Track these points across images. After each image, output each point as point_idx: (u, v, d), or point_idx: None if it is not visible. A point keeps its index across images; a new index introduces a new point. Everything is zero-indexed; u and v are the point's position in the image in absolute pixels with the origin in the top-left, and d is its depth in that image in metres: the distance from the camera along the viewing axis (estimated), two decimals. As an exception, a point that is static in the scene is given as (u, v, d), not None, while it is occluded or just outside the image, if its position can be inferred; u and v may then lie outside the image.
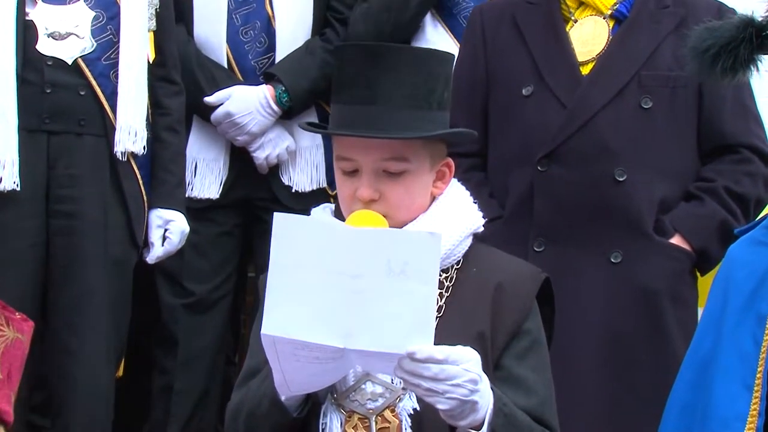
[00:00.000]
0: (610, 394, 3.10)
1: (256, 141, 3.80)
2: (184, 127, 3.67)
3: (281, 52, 3.84)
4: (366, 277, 2.09)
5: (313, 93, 3.83)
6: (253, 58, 3.83)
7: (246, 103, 3.78)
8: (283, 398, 2.28)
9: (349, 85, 2.36)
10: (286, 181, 3.86)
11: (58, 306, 3.35)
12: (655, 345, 3.11)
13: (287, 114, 3.83)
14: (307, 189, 3.87)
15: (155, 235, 3.51)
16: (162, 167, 3.53)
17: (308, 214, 3.73)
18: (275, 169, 3.86)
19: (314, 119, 3.84)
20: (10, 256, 3.28)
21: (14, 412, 3.26)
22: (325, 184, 3.88)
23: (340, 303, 2.09)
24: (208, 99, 3.77)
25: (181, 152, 3.62)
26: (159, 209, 3.52)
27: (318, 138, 3.88)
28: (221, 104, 3.77)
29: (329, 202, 3.76)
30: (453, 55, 2.51)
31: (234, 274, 3.88)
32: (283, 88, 3.79)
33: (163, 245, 3.52)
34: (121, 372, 3.54)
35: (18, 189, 3.25)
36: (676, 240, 3.17)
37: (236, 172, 3.85)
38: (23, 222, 3.30)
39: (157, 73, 3.53)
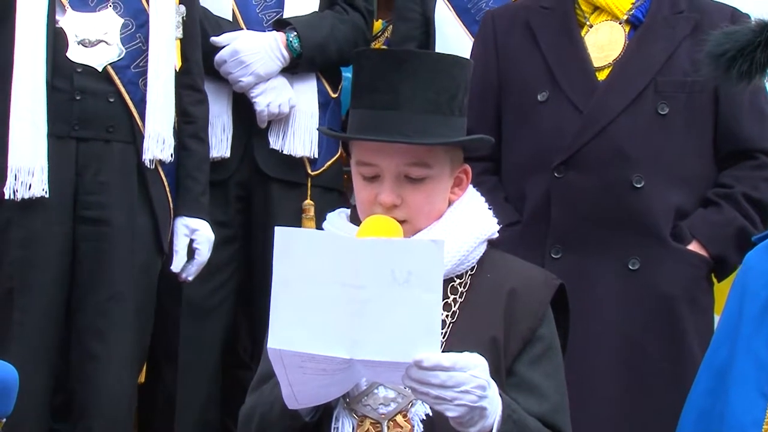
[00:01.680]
0: (626, 401, 3.09)
1: (259, 86, 3.74)
2: (208, 135, 3.67)
3: (290, 10, 3.80)
4: (370, 287, 2.09)
5: (322, 50, 3.79)
6: (261, 11, 3.79)
7: (255, 43, 3.73)
8: None
9: (371, 90, 2.37)
10: (273, 143, 3.79)
11: (84, 311, 3.36)
12: (672, 351, 3.10)
13: (293, 67, 3.78)
14: (299, 154, 3.79)
15: (180, 244, 3.51)
16: (187, 175, 3.54)
17: (282, 184, 3.77)
18: (264, 131, 3.78)
19: (314, 92, 3.83)
20: (37, 261, 3.30)
21: (36, 415, 3.29)
22: (315, 155, 3.80)
23: (345, 314, 2.09)
24: (214, 39, 3.72)
25: (205, 159, 3.61)
26: (184, 217, 3.52)
27: (314, 107, 3.82)
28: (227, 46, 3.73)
29: (305, 179, 3.79)
30: (472, 61, 2.51)
31: (236, 277, 3.82)
32: (295, 34, 3.75)
33: (194, 258, 3.53)
34: (143, 378, 3.55)
35: (47, 195, 3.27)
36: (693, 246, 3.16)
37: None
38: (51, 228, 3.31)
39: (182, 81, 3.53)
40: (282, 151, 3.79)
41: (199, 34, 3.64)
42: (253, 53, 3.72)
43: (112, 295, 3.36)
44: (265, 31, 3.79)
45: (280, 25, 3.79)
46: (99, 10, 3.39)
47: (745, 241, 3.13)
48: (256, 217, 3.82)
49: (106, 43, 3.37)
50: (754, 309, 2.42)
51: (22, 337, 3.28)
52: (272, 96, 3.75)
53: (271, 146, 3.79)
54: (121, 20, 3.40)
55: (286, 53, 3.76)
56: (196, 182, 3.56)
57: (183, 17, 3.53)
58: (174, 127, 3.49)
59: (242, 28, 3.78)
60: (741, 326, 2.44)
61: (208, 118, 3.65)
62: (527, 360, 2.38)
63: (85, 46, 3.36)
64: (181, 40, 3.53)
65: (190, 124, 3.57)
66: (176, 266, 3.51)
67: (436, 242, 2.13)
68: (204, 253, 3.54)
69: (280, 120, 3.79)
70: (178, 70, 3.51)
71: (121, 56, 3.38)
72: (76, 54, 3.35)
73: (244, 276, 3.86)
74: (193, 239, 3.53)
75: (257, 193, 3.82)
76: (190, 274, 3.55)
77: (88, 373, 3.37)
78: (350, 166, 2.52)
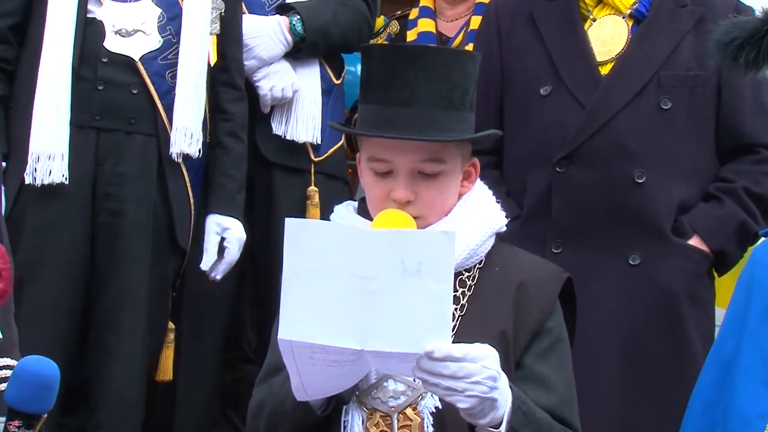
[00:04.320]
0: (628, 396, 3.09)
1: (262, 69, 3.74)
2: (247, 134, 3.64)
3: None
4: (381, 278, 2.09)
5: (325, 34, 3.79)
6: None
7: (258, 27, 3.73)
8: None
9: (385, 85, 2.34)
10: (276, 128, 3.79)
11: (100, 303, 3.36)
12: (673, 346, 3.10)
13: (296, 51, 3.77)
14: (302, 140, 3.79)
15: (211, 242, 3.49)
16: (223, 172, 3.53)
17: (285, 170, 3.78)
18: (267, 117, 3.78)
19: (317, 78, 3.83)
20: (48, 251, 3.30)
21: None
22: (318, 141, 3.81)
23: (356, 305, 2.09)
24: None
25: (243, 158, 3.59)
26: (217, 215, 3.51)
27: (317, 93, 3.82)
28: None
29: (309, 165, 3.80)
30: (480, 55, 2.51)
31: (238, 268, 3.74)
32: (298, 17, 3.75)
33: (222, 256, 3.51)
34: (170, 375, 3.52)
35: (66, 182, 3.26)
36: (694, 241, 3.16)
37: None
38: (68, 217, 3.31)
39: (220, 78, 3.53)
40: (285, 136, 3.79)
41: (241, 31, 3.63)
42: (256, 37, 3.72)
43: (126, 289, 3.36)
44: (267, 15, 3.78)
45: (283, 9, 3.79)
46: (137, 0, 3.39)
47: (746, 236, 3.16)
48: (258, 204, 3.81)
49: (144, 33, 3.37)
50: (761, 302, 2.43)
51: (30, 328, 3.24)
52: (275, 80, 3.75)
53: (273, 132, 3.79)
54: (159, 10, 3.40)
55: (289, 37, 3.75)
56: (233, 180, 3.55)
57: (221, 13, 3.52)
58: (205, 123, 3.47)
59: (244, 13, 3.76)
60: (748, 319, 2.44)
61: (246, 116, 3.64)
62: (535, 353, 2.38)
63: (122, 36, 3.36)
64: (218, 35, 3.52)
65: (227, 121, 3.56)
66: (206, 264, 3.49)
67: (446, 233, 2.14)
68: (233, 252, 3.52)
69: (283, 105, 3.79)
70: (214, 66, 3.50)
71: (159, 46, 3.37)
72: (113, 44, 3.35)
73: (248, 267, 3.85)
74: (224, 238, 3.51)
75: (259, 180, 3.82)
76: (218, 273, 3.53)
77: (100, 366, 3.37)
78: (355, 160, 2.51)
